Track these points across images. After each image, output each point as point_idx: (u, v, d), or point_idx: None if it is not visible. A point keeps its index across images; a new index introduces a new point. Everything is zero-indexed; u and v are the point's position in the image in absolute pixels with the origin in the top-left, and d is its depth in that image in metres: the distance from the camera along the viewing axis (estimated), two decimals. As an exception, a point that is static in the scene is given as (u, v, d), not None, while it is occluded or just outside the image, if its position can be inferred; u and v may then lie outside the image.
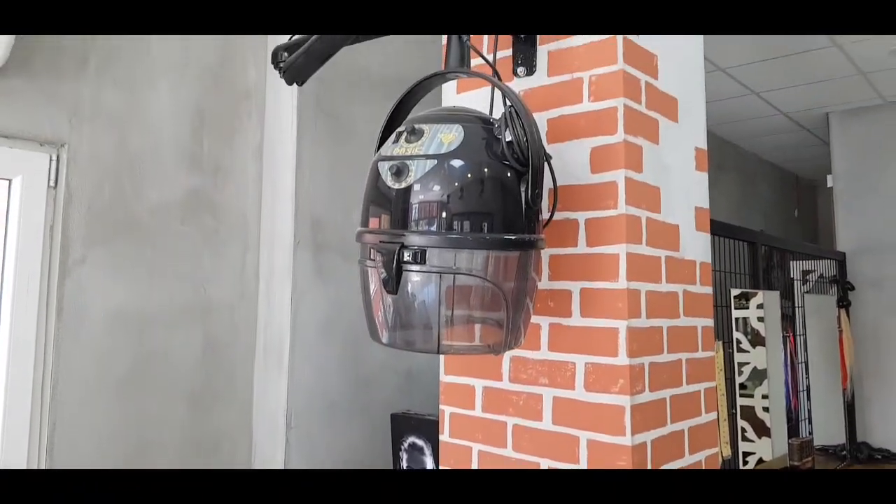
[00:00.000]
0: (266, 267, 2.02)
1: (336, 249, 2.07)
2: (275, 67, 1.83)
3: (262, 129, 2.06)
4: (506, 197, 1.09)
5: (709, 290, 1.51)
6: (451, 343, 1.12)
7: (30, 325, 1.57)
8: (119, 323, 1.74)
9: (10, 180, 1.57)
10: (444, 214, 1.05)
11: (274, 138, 2.02)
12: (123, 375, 1.74)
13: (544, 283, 1.35)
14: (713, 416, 1.48)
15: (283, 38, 1.96)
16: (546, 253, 1.36)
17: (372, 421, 2.06)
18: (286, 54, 1.78)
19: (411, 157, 1.08)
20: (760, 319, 3.18)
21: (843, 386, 3.99)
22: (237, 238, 1.99)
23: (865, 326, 4.34)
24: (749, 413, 3.07)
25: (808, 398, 3.63)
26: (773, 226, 5.79)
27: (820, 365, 3.82)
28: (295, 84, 1.76)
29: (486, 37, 1.51)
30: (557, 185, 1.28)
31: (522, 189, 1.09)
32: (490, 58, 1.37)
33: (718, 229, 2.71)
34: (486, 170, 1.08)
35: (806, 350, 3.66)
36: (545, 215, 1.25)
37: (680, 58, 1.49)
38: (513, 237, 1.07)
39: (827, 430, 3.83)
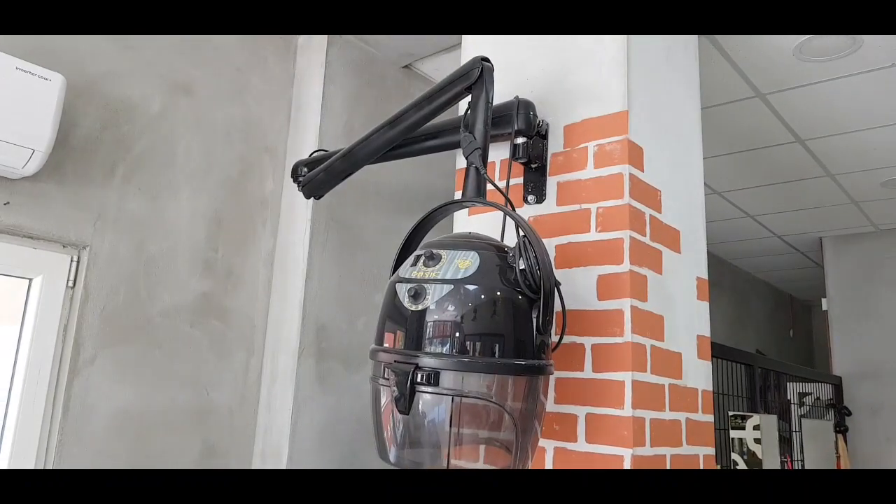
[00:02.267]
0: (269, 372, 2.03)
1: (338, 357, 2.09)
2: (294, 181, 1.92)
3: (276, 237, 2.12)
4: (518, 322, 1.13)
5: (710, 418, 1.52)
6: (460, 464, 1.13)
7: (35, 422, 1.57)
8: (121, 424, 1.74)
9: (30, 279, 1.62)
10: (458, 337, 1.09)
11: (286, 246, 2.08)
12: (118, 479, 1.71)
13: (550, 406, 1.37)
14: (716, 548, 1.46)
15: (303, 154, 2.06)
16: (553, 376, 1.38)
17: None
18: (305, 169, 1.87)
19: (429, 281, 1.13)
20: (757, 441, 3.15)
21: (844, 515, 3.89)
22: (243, 343, 2.01)
23: (865, 454, 4.29)
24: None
25: (809, 527, 3.53)
26: (767, 345, 5.81)
27: (819, 492, 3.74)
28: (312, 198, 1.84)
29: (497, 163, 1.60)
30: (566, 309, 1.33)
31: (534, 315, 1.13)
32: (503, 185, 1.45)
33: (716, 351, 2.74)
34: (499, 295, 1.12)
35: (805, 476, 3.59)
36: (553, 339, 1.29)
37: (681, 192, 1.58)
38: (523, 362, 1.11)
39: (828, 561, 3.70)
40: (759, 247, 4.78)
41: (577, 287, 1.39)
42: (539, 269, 1.14)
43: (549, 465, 1.35)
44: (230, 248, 2.00)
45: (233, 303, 1.99)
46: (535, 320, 1.13)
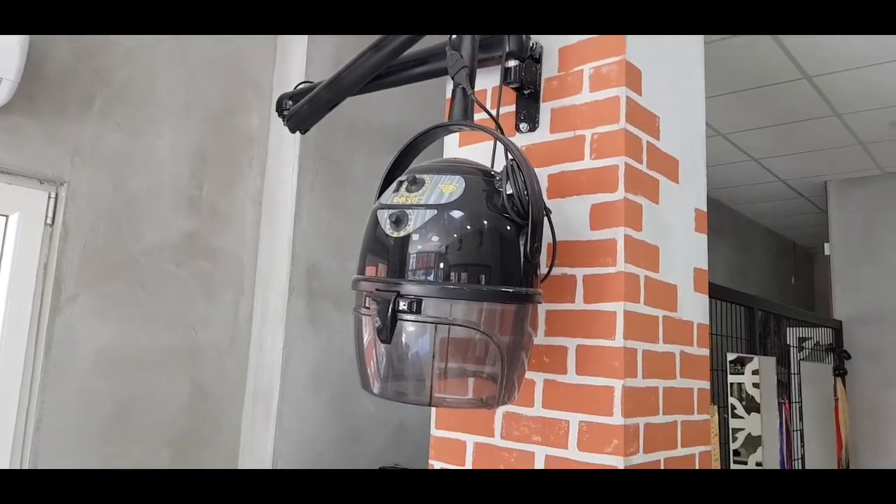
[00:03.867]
0: (259, 313, 2.00)
1: (330, 297, 2.05)
2: (279, 115, 1.85)
3: (263, 176, 2.07)
4: (504, 249, 1.08)
5: (706, 352, 1.49)
6: (444, 396, 1.10)
7: (17, 362, 1.54)
8: (106, 364, 1.71)
9: (6, 216, 1.57)
10: (441, 264, 1.04)
11: (274, 184, 2.03)
12: (108, 418, 1.70)
13: (540, 339, 1.34)
14: (709, 482, 1.45)
15: (289, 87, 1.98)
16: (543, 308, 1.34)
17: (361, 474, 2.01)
18: (290, 102, 1.80)
19: (411, 207, 1.08)
20: (756, 385, 3.14)
21: (839, 456, 3.92)
22: (232, 283, 1.98)
23: (863, 398, 4.29)
24: (744, 482, 3.01)
25: (803, 467, 3.56)
26: (768, 292, 5.79)
27: (815, 434, 3.76)
28: (298, 132, 1.77)
29: (489, 90, 1.53)
30: (557, 240, 1.28)
31: (521, 242, 1.08)
32: (493, 112, 1.38)
33: (716, 292, 2.70)
34: (485, 221, 1.07)
35: (801, 418, 3.61)
36: (543, 270, 1.25)
37: (682, 120, 1.51)
38: (510, 290, 1.06)
39: (823, 501, 3.74)
40: (762, 192, 4.71)
41: (570, 218, 1.34)
42: (527, 193, 1.09)
43: (538, 397, 1.32)
44: (216, 186, 1.95)
45: (220, 242, 1.95)
46: (522, 248, 1.08)
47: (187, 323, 1.86)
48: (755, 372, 3.18)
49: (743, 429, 3.13)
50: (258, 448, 1.91)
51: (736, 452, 3.04)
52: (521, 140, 1.43)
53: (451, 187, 1.09)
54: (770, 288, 5.91)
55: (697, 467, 1.41)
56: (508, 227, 1.08)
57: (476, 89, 1.49)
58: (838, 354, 4.24)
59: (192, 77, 1.92)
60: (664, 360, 1.34)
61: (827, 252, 4.51)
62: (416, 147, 1.25)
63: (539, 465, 1.28)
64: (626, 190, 1.28)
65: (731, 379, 3.16)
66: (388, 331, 1.04)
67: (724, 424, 2.77)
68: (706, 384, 1.48)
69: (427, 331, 1.05)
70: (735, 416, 3.16)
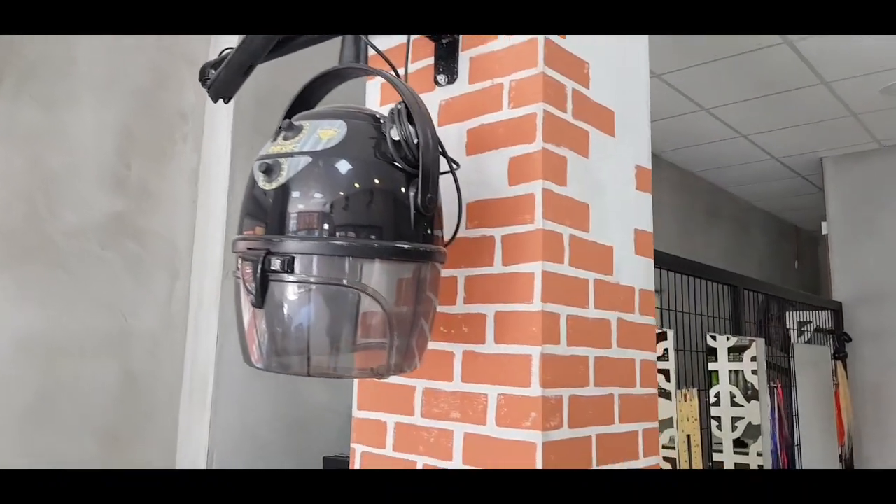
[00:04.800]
0: (196, 296, 1.90)
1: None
2: (202, 85, 1.74)
3: (199, 153, 1.96)
4: (391, 201, 0.97)
5: (651, 320, 1.37)
6: (327, 365, 0.98)
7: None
8: (26, 351, 1.62)
9: None
10: (317, 218, 0.93)
11: (209, 162, 1.92)
12: (28, 408, 1.60)
13: (459, 307, 1.22)
14: (654, 460, 1.32)
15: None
16: (462, 274, 1.23)
17: (305, 465, 1.90)
18: (213, 71, 1.69)
19: (285, 155, 0.97)
20: (754, 372, 3.02)
21: (840, 442, 3.77)
22: (164, 265, 1.87)
23: (864, 381, 4.13)
24: (743, 470, 2.89)
25: (800, 454, 3.42)
26: (770, 278, 5.62)
27: (815, 420, 3.62)
28: (222, 101, 1.67)
29: (410, 43, 1.42)
30: (464, 198, 1.18)
31: (412, 193, 0.97)
32: (415, 67, 1.27)
33: (698, 271, 2.59)
34: (368, 169, 0.96)
35: (794, 402, 3.46)
36: (452, 231, 1.14)
37: (619, 68, 1.39)
38: (399, 246, 0.95)
39: (823, 489, 3.59)
40: (756, 172, 4.56)
41: (489, 174, 1.22)
42: (418, 137, 0.98)
43: (457, 371, 1.20)
44: (145, 164, 1.85)
45: (151, 223, 1.85)
46: (413, 200, 0.97)
47: (115, 308, 1.76)
48: (753, 358, 3.06)
49: (743, 417, 3.01)
50: (194, 440, 1.80)
51: (740, 443, 2.92)
52: (441, 94, 1.32)
53: (330, 132, 0.98)
54: (772, 273, 5.74)
55: (641, 445, 1.29)
56: (396, 177, 0.97)
57: (395, 43, 1.38)
58: (838, 337, 4.08)
59: (117, 50, 1.82)
60: (596, 327, 1.22)
61: (825, 231, 4.35)
62: (306, 101, 1.15)
63: (457, 443, 1.17)
64: (546, 140, 1.17)
65: (730, 366, 3.05)
66: (258, 294, 0.93)
67: (705, 409, 2.64)
68: (651, 356, 1.36)
69: (301, 291, 0.94)
70: (735, 404, 3.04)
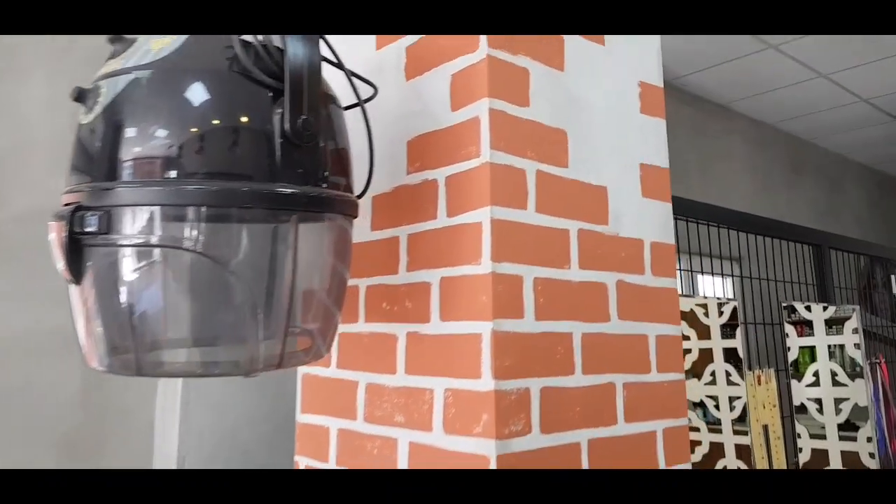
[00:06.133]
0: (167, 285, 1.68)
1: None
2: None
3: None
4: (245, 128, 0.70)
5: (669, 282, 1.04)
6: (167, 361, 0.73)
7: None
8: (-27, 354, 1.45)
9: None
10: (141, 156, 0.67)
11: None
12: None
13: (402, 276, 0.94)
14: (683, 468, 1.00)
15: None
16: (404, 232, 0.95)
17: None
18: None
19: (107, 76, 0.71)
20: (857, 346, 2.59)
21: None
22: (132, 252, 1.67)
23: None
24: (852, 460, 2.46)
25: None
26: (877, 239, 5.01)
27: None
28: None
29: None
30: (404, 134, 0.89)
31: (276, 116, 0.70)
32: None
33: (769, 228, 2.19)
34: (208, 85, 0.69)
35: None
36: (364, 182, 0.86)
37: (610, -41, 1.06)
38: (257, 189, 0.68)
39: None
40: (844, 118, 4.01)
41: (430, 99, 0.93)
42: (282, 41, 0.70)
43: (400, 360, 0.92)
44: (101, 139, 1.64)
45: (111, 205, 1.65)
46: (279, 124, 0.70)
47: (74, 302, 1.57)
48: (855, 331, 2.63)
49: (848, 398, 2.59)
50: (166, 447, 1.60)
51: (847, 426, 2.50)
52: (378, 9, 1.03)
53: (164, 41, 0.72)
54: (878, 233, 5.12)
55: (661, 450, 0.98)
56: (254, 94, 0.70)
57: None
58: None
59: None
60: (584, 293, 0.91)
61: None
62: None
63: (402, 456, 0.89)
64: (493, 46, 0.86)
65: (830, 340, 2.63)
66: (70, 265, 0.68)
67: (785, 392, 2.24)
68: (673, 329, 1.03)
69: (127, 261, 0.68)
70: (837, 383, 2.62)
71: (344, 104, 0.83)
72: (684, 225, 2.20)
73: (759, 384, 2.17)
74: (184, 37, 0.71)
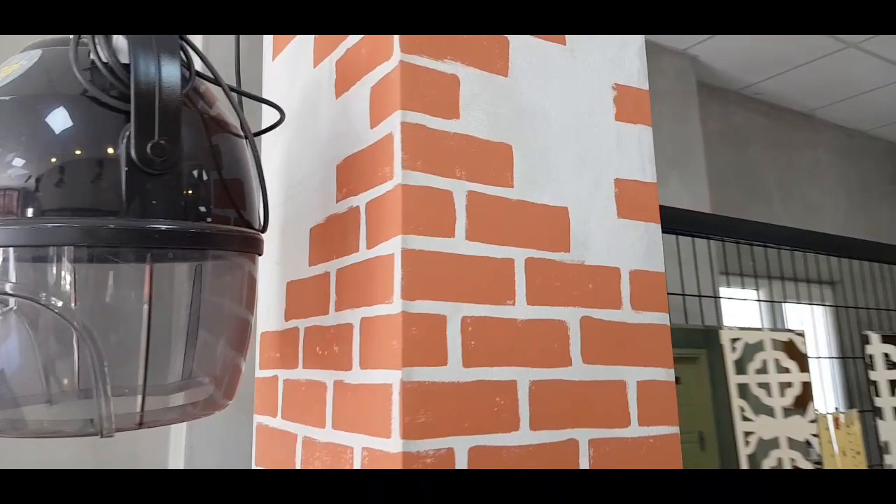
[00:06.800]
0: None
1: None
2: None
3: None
4: (89, 156, 0.62)
5: (657, 318, 0.88)
6: (27, 419, 0.65)
7: None
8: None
9: None
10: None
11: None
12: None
13: (331, 317, 0.84)
14: (670, 542, 0.83)
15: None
16: (334, 267, 0.84)
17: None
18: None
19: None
20: None
21: None
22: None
23: None
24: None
25: None
26: None
27: None
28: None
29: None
30: (333, 158, 0.79)
31: (124, 138, 0.62)
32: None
33: (862, 250, 1.95)
34: (49, 112, 0.62)
35: None
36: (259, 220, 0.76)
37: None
38: (98, 225, 0.60)
39: None
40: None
41: (353, 116, 0.83)
42: (132, 55, 0.62)
43: (328, 411, 0.81)
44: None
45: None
46: (125, 147, 0.61)
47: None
48: None
49: None
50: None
51: None
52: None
53: (14, 66, 0.66)
54: None
55: (646, 516, 0.81)
56: (102, 119, 0.62)
57: None
58: None
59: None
60: (533, 333, 0.78)
61: None
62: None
63: (326, 522, 0.78)
64: (407, 50, 0.76)
65: None
66: None
67: (871, 433, 1.95)
68: (662, 374, 0.87)
69: (-38, 310, 0.61)
70: None
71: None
72: (762, 250, 2.00)
73: (840, 428, 1.90)
74: (35, 59, 0.65)
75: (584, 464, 0.78)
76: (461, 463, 0.70)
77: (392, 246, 0.72)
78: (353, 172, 0.82)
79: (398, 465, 0.67)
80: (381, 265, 0.74)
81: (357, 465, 0.74)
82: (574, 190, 0.85)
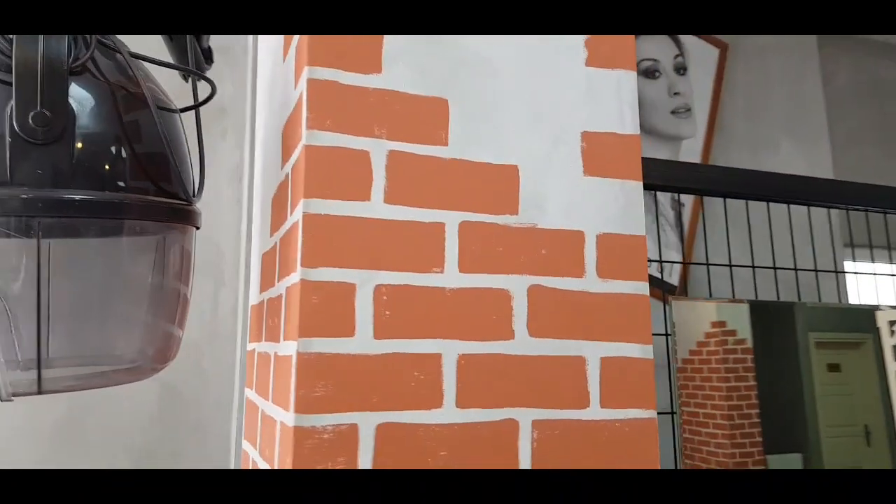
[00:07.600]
0: (243, 304, 1.72)
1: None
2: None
3: (242, 149, 1.80)
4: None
5: (632, 287, 0.78)
6: None
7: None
8: (66, 370, 1.59)
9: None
10: None
11: (254, 158, 1.75)
12: (56, 423, 1.57)
13: (276, 287, 0.82)
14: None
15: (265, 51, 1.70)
16: (278, 236, 0.82)
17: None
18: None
19: None
20: None
21: None
22: (209, 271, 1.73)
23: None
24: None
25: None
26: None
27: None
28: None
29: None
30: (281, 125, 0.77)
31: (9, 108, 0.63)
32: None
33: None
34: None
35: None
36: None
37: None
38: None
39: None
40: None
41: (287, 78, 0.80)
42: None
43: (272, 377, 0.79)
44: (177, 166, 1.73)
45: (187, 228, 1.72)
46: (9, 118, 0.62)
47: (152, 321, 1.66)
48: None
49: None
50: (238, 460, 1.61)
51: None
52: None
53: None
54: None
55: (608, 509, 0.72)
56: (-9, 91, 0.64)
57: None
58: None
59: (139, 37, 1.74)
60: (466, 302, 0.71)
61: None
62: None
63: (263, 496, 0.76)
64: (325, 3, 0.71)
65: None
66: None
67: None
68: (640, 350, 0.77)
69: None
70: None
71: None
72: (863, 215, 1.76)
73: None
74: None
75: (525, 446, 0.70)
76: (366, 439, 0.65)
77: (298, 212, 0.68)
78: (287, 137, 0.79)
79: (291, 439, 0.63)
80: (293, 232, 0.70)
81: (276, 440, 0.71)
82: (526, 146, 0.76)
